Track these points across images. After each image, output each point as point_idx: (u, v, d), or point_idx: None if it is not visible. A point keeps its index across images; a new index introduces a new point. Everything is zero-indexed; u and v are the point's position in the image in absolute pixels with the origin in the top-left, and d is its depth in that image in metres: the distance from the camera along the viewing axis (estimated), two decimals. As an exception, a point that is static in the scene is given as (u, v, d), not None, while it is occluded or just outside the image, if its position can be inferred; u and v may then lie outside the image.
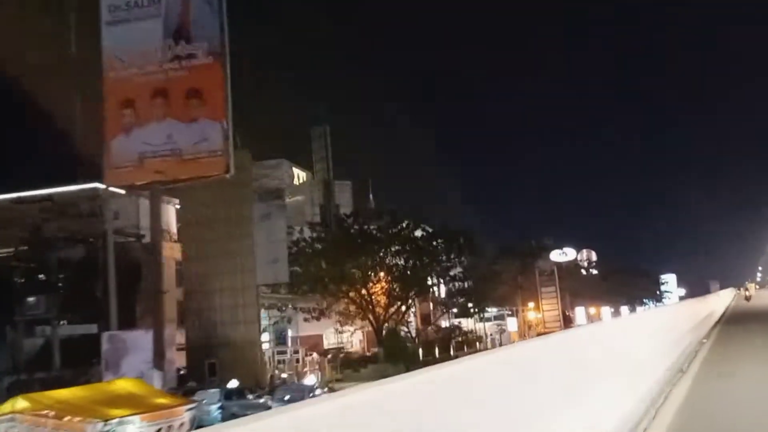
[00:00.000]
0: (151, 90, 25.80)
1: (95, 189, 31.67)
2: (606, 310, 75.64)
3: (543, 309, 65.11)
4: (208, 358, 31.92)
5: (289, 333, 38.85)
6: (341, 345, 43.49)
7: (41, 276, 33.15)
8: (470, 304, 49.46)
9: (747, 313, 40.67)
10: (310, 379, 28.43)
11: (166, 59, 25.75)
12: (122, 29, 26.30)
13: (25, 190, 33.92)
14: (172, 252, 35.51)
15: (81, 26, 30.54)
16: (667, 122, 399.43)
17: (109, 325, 28.13)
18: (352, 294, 40.02)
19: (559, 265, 69.42)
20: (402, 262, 42.04)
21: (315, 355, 39.01)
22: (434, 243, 44.10)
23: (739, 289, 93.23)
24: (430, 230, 44.70)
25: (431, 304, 49.53)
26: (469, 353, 25.98)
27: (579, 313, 71.44)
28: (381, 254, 41.01)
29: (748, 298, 66.78)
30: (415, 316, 48.25)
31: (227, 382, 26.50)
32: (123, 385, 18.73)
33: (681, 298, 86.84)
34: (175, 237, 35.95)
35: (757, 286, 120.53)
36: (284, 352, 37.24)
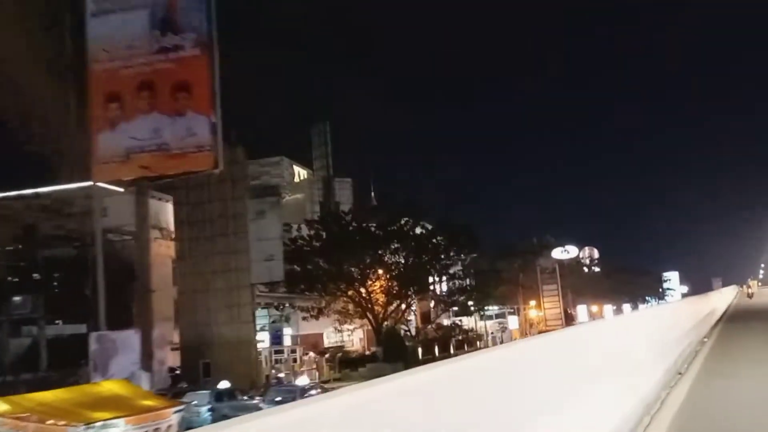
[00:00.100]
0: (138, 83, 25.23)
1: (87, 187, 30.98)
2: (608, 308, 75.04)
3: (545, 307, 64.73)
4: (203, 358, 31.44)
5: (289, 332, 38.31)
6: (341, 344, 43.01)
7: (29, 275, 32.51)
8: (471, 303, 48.93)
9: (749, 310, 40.22)
10: (302, 379, 27.80)
11: (152, 51, 25.16)
12: (108, 20, 25.68)
13: (12, 189, 33.25)
14: (168, 250, 34.82)
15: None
16: (667, 122, 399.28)
17: (98, 325, 27.46)
18: (350, 292, 39.49)
19: (560, 262, 68.90)
20: (401, 259, 41.47)
21: (312, 354, 38.48)
22: (434, 240, 43.48)
23: (741, 287, 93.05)
24: (430, 228, 44.10)
25: (431, 303, 48.96)
26: (470, 352, 25.50)
27: (581, 311, 71.01)
28: (380, 252, 40.40)
29: (750, 296, 66.62)
30: (414, 314, 47.78)
31: (222, 382, 25.99)
32: (109, 387, 18.25)
33: (684, 296, 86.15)
34: (173, 235, 35.21)
35: (760, 284, 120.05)
36: (281, 352, 36.75)
